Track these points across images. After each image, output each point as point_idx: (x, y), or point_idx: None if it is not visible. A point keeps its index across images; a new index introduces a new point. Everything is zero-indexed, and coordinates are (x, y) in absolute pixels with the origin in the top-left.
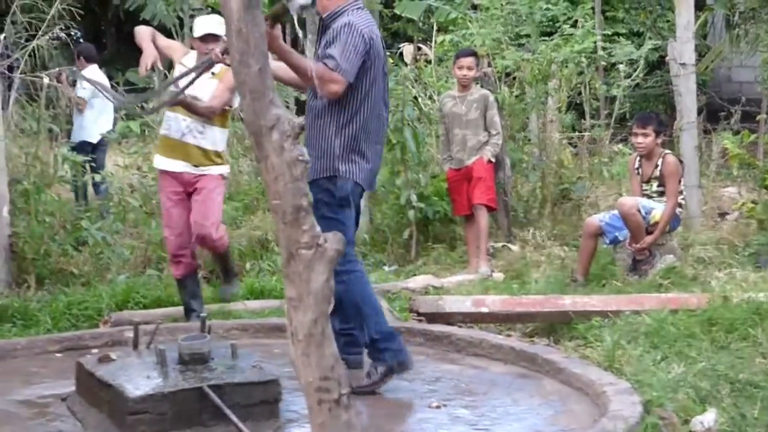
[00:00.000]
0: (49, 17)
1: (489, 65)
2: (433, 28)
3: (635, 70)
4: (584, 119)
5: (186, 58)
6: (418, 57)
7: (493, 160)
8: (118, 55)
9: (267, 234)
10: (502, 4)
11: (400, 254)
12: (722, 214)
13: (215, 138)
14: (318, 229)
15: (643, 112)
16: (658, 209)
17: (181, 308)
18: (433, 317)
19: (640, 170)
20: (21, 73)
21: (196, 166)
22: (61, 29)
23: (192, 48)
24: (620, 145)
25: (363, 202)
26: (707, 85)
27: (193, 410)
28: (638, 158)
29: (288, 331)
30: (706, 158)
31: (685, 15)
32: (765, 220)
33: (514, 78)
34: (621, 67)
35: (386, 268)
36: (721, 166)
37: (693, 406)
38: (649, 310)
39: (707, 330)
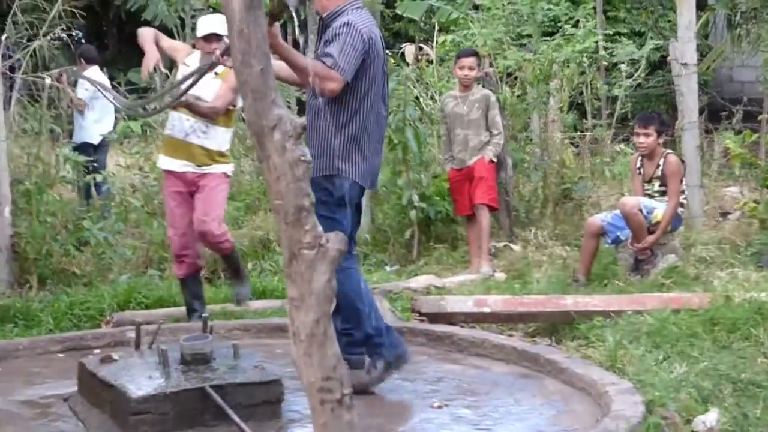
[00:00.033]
0: (50, 17)
1: (490, 65)
2: (434, 28)
3: (637, 70)
4: (586, 119)
5: (190, 58)
6: (419, 57)
7: (495, 160)
8: (120, 55)
9: (269, 234)
10: (503, 4)
11: (402, 254)
12: (724, 214)
13: (219, 138)
14: (320, 229)
15: (645, 112)
16: (659, 209)
17: (183, 308)
18: (435, 317)
19: (641, 170)
20: (23, 74)
21: (199, 166)
22: (62, 30)
23: (194, 47)
24: (622, 145)
25: (365, 202)
26: (709, 85)
27: (195, 410)
28: (640, 158)
29: (290, 331)
30: (708, 158)
31: (686, 15)
32: (767, 219)
33: (516, 78)
34: (622, 66)
35: (388, 268)
36: (722, 166)
37: (695, 405)
38: (651, 310)
39: (709, 330)
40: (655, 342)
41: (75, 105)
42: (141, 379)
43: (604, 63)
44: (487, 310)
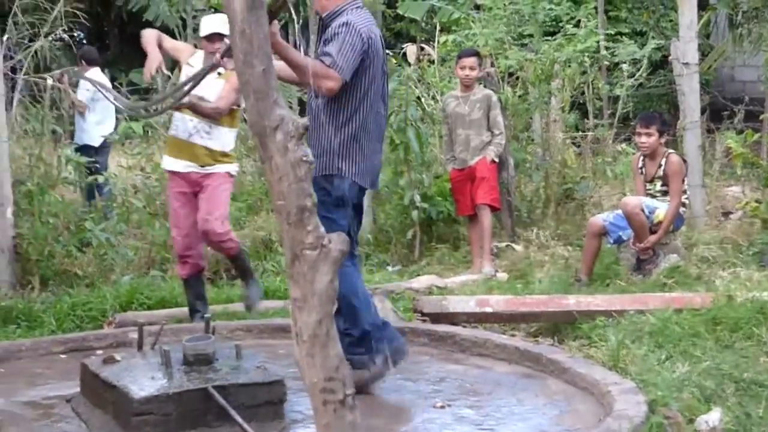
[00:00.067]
0: (51, 18)
1: (492, 65)
2: (435, 28)
3: (638, 70)
4: (587, 119)
5: (193, 59)
6: (421, 57)
7: (497, 160)
8: (121, 56)
9: (271, 234)
10: (504, 4)
11: (404, 254)
12: (726, 214)
13: (223, 138)
14: (322, 229)
15: (647, 112)
16: (661, 209)
17: (185, 309)
18: (437, 317)
19: (643, 170)
20: (24, 75)
21: (202, 166)
22: (63, 30)
23: (196, 46)
24: (623, 145)
25: (366, 202)
26: (710, 85)
27: (197, 411)
28: (642, 158)
29: (292, 332)
30: (710, 157)
31: (688, 14)
32: None
33: (517, 78)
34: (624, 66)
35: (390, 269)
36: (724, 166)
37: (698, 405)
38: (654, 310)
39: (712, 329)
40: (658, 342)
41: (75, 107)
42: (143, 380)
43: (606, 63)
44: (489, 310)
